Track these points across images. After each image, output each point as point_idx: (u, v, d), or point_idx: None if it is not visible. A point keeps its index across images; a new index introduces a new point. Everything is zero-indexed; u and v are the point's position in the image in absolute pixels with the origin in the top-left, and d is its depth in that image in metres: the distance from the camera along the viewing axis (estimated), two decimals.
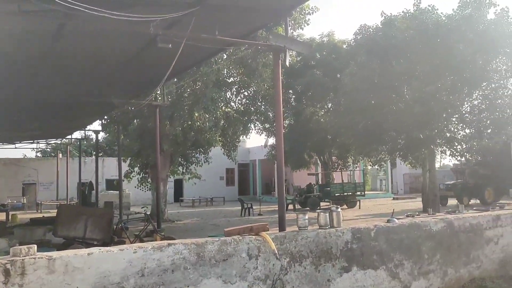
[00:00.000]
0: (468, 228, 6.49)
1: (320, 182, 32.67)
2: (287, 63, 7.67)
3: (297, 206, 27.58)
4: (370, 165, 35.56)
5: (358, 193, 28.68)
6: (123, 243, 12.10)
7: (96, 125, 24.16)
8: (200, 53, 9.14)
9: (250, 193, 38.69)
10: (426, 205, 24.63)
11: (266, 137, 31.41)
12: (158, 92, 17.37)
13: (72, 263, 3.81)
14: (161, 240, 11.85)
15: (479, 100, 15.45)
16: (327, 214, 5.40)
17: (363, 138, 19.24)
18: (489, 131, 15.19)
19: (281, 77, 19.06)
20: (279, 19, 8.10)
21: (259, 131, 29.03)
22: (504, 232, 6.86)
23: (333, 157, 32.19)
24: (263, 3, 7.48)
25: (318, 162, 33.41)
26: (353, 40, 18.14)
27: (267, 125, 28.02)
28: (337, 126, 22.66)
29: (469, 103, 15.81)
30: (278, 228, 7.61)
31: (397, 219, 6.12)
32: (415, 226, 5.99)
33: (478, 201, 28.43)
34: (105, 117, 19.93)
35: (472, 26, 15.19)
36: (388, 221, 5.88)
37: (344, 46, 28.82)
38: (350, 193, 28.17)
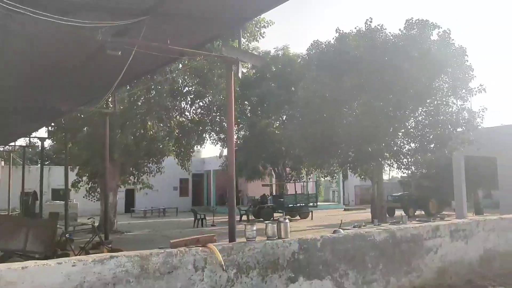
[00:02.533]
0: (409, 238, 6.77)
1: (274, 193, 32.96)
2: (240, 75, 7.73)
3: (251, 217, 27.66)
4: (323, 177, 36.36)
5: (311, 204, 29.19)
6: (67, 255, 11.56)
7: (43, 132, 23.14)
8: (153, 62, 9.02)
9: (204, 204, 38.37)
10: (374, 216, 25.49)
11: (221, 147, 31.36)
12: (110, 99, 16.97)
13: (4, 277, 3.61)
14: (108, 252, 11.47)
15: (423, 116, 16.26)
16: (275, 225, 5.46)
17: (315, 150, 19.65)
18: (432, 145, 15.99)
19: (235, 89, 19.27)
20: (232, 31, 8.18)
21: (214, 141, 28.95)
22: (442, 242, 7.21)
23: (287, 168, 32.62)
24: (217, 15, 7.51)
25: (273, 173, 33.72)
26: (306, 55, 18.61)
27: (222, 136, 27.99)
28: (290, 138, 23.04)
29: (414, 119, 16.60)
30: (228, 239, 7.59)
31: (344, 230, 6.28)
32: (360, 236, 6.18)
33: (423, 212, 29.82)
34: (52, 124, 19.14)
35: (417, 46, 16.03)
36: (334, 232, 6.02)
37: (299, 60, 29.51)
38: (303, 204, 28.61)
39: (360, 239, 6.16)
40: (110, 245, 12.09)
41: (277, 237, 5.46)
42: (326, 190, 59.39)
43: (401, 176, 40.52)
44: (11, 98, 11.87)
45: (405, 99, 15.77)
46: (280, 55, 30.34)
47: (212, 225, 23.78)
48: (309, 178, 35.22)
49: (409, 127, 16.64)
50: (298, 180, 33.01)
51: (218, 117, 20.51)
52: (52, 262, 3.89)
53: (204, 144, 24.40)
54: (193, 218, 24.29)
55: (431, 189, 30.06)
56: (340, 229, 6.17)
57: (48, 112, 13.13)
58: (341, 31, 17.22)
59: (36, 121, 15.90)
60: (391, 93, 15.68)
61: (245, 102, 30.71)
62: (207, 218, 24.08)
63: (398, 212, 27.75)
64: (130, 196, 34.17)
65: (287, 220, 5.59)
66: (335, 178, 37.29)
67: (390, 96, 15.68)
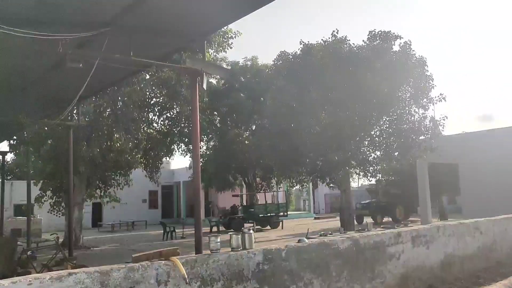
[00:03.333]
0: (372, 245, 6.90)
1: (244, 204, 32.92)
2: (204, 86, 7.75)
3: (222, 228, 27.51)
4: (292, 186, 36.64)
5: (281, 213, 29.33)
6: (29, 274, 11.18)
7: (4, 145, 22.38)
8: (117, 74, 8.93)
9: (174, 216, 37.84)
10: (343, 224, 25.87)
11: (190, 159, 31.08)
12: (75, 111, 16.60)
13: None
14: (71, 269, 11.15)
15: (387, 125, 16.71)
16: (239, 236, 5.46)
17: (283, 160, 19.81)
18: (396, 154, 16.44)
19: (203, 99, 19.26)
20: (195, 43, 8.22)
21: (183, 152, 28.70)
22: (404, 248, 7.39)
23: (257, 179, 32.68)
24: (178, 28, 7.54)
25: (243, 183, 33.70)
26: (273, 66, 18.84)
27: (191, 147, 27.79)
28: (259, 148, 23.16)
29: (378, 128, 17.03)
30: (195, 252, 7.54)
31: (309, 238, 6.35)
32: (324, 245, 6.26)
33: (390, 219, 30.47)
34: (14, 137, 18.53)
35: (380, 56, 16.50)
36: (299, 241, 6.08)
37: (267, 70, 29.81)
38: (273, 214, 28.71)
39: (324, 248, 6.24)
40: (74, 262, 11.75)
41: (241, 248, 5.46)
42: (297, 199, 59.84)
43: (369, 184, 41.37)
44: None
45: (369, 109, 16.18)
46: (248, 65, 30.55)
47: (182, 237, 23.49)
48: (280, 188, 35.39)
49: (374, 135, 17.06)
50: (268, 190, 33.12)
51: (186, 128, 20.40)
52: (6, 282, 3.76)
53: (173, 155, 24.21)
54: (162, 231, 23.97)
55: (398, 196, 30.81)
56: (305, 238, 6.22)
57: (9, 125, 12.72)
58: (306, 43, 17.55)
59: None
60: (355, 103, 16.05)
61: (214, 113, 30.65)
62: (176, 230, 23.77)
63: (367, 219, 28.23)
64: (97, 210, 33.32)
65: (251, 231, 5.60)
66: (305, 187, 37.72)
67: (356, 105, 16.04)
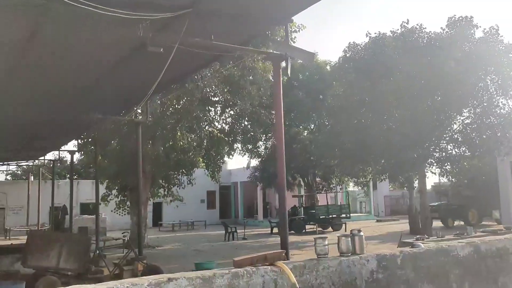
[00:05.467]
0: (494, 252, 5.86)
1: (303, 204, 31.99)
2: (289, 73, 7.06)
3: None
4: (353, 186, 35.22)
5: (343, 215, 28.10)
6: (101, 272, 11.01)
7: (71, 145, 22.96)
8: (191, 63, 8.42)
9: (232, 216, 37.58)
10: (413, 227, 24.23)
11: (248, 158, 30.67)
12: (139, 111, 16.53)
13: None
14: (143, 268, 10.83)
15: (471, 119, 15.19)
16: (349, 239, 4.67)
17: (349, 159, 18.75)
18: (482, 150, 14.87)
19: (265, 94, 18.58)
20: (279, 26, 7.53)
21: (241, 152, 28.27)
22: None
23: (317, 179, 31.65)
24: (261, 10, 6.88)
25: (302, 183, 32.78)
26: (341, 58, 17.84)
27: (249, 146, 27.30)
28: (321, 147, 22.18)
29: (461, 122, 15.54)
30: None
31: (423, 243, 5.43)
32: (443, 251, 5.32)
33: (462, 223, 28.31)
34: (81, 136, 18.85)
35: (461, 44, 15.08)
36: (412, 246, 5.19)
37: (327, 67, 28.74)
38: (335, 216, 27.55)
39: (442, 254, 5.30)
40: (145, 261, 11.47)
41: (352, 253, 4.66)
42: (353, 200, 57.90)
43: (434, 184, 38.91)
44: (42, 110, 11.48)
45: (450, 102, 14.77)
46: (305, 64, 29.59)
47: (244, 238, 23.04)
48: (340, 189, 34.11)
49: (455, 130, 15.56)
50: (329, 191, 31.96)
51: (249, 126, 19.87)
52: (102, 287, 3.22)
53: (236, 154, 23.80)
54: (223, 231, 23.64)
55: (470, 198, 28.55)
56: (420, 243, 5.31)
57: (79, 123, 12.71)
58: (376, 33, 16.43)
59: (66, 134, 15.56)
60: (434, 95, 14.72)
61: (272, 112, 30.04)
62: (238, 231, 23.31)
63: (435, 223, 26.34)
64: (157, 209, 33.74)
65: (362, 233, 4.79)
66: (363, 188, 36.17)
67: (436, 98, 14.71)
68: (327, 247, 4.54)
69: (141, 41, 6.49)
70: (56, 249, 9.59)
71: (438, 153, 15.44)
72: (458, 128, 15.46)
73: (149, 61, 8.22)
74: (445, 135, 15.42)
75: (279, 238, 22.75)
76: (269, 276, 3.97)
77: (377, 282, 4.67)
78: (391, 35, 16.44)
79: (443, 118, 15.04)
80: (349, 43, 17.17)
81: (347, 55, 16.94)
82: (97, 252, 12.35)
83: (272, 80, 21.89)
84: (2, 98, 10.25)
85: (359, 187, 32.15)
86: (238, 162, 56.64)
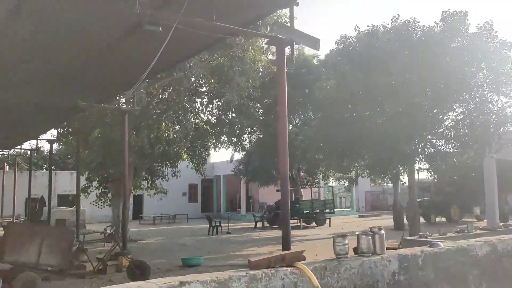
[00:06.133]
0: (511, 252, 5.60)
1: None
2: (294, 59, 6.63)
3: (266, 224, 26.45)
4: (333, 181, 35.16)
5: (328, 210, 27.96)
6: (84, 268, 10.43)
7: (49, 135, 22.02)
8: (187, 48, 7.88)
9: (214, 210, 37.06)
10: (397, 222, 24.26)
11: (232, 151, 30.14)
12: (122, 100, 15.83)
13: None
14: (129, 264, 10.29)
15: (463, 115, 15.09)
16: (370, 238, 4.29)
17: (339, 153, 18.47)
18: (475, 147, 14.78)
19: (254, 85, 18.12)
20: (282, 8, 7.09)
21: (226, 145, 27.73)
22: None
23: (301, 173, 31.40)
24: None
25: None
26: (333, 50, 17.47)
27: (234, 139, 26.78)
28: (308, 141, 21.86)
29: (453, 118, 15.43)
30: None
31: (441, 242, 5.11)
32: (462, 251, 5.01)
33: (443, 219, 28.54)
34: (62, 125, 18.02)
35: (455, 38, 14.95)
36: (432, 245, 4.85)
37: (314, 61, 28.40)
38: (319, 211, 27.38)
39: (461, 254, 4.99)
40: (129, 256, 10.94)
41: (372, 253, 4.29)
42: (330, 195, 58.00)
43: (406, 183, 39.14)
44: (25, 94, 10.73)
45: (443, 97, 14.62)
46: (295, 55, 29.19)
47: (228, 232, 22.62)
48: (325, 184, 33.98)
49: (447, 126, 15.43)
50: (314, 186, 31.76)
51: (236, 118, 19.37)
52: None
53: (223, 146, 23.27)
54: (205, 225, 23.15)
55: (452, 194, 28.83)
56: (439, 242, 4.98)
57: (62, 110, 11.99)
58: (371, 25, 16.13)
59: (47, 122, 14.77)
60: (427, 90, 14.54)
61: (257, 105, 29.58)
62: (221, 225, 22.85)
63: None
64: (138, 202, 32.96)
65: (382, 231, 4.42)
66: (344, 184, 36.15)
67: (428, 92, 14.52)
68: (347, 246, 4.16)
69: (136, 20, 5.96)
70: (36, 244, 8.97)
71: (429, 149, 15.28)
72: (450, 124, 15.33)
73: (142, 44, 7.69)
74: (437, 131, 15.28)
75: (264, 233, 22.33)
76: (289, 279, 3.56)
77: (398, 285, 4.32)
78: (383, 29, 16.19)
79: (437, 112, 14.89)
80: (341, 35, 16.86)
81: (340, 47, 16.61)
82: (78, 245, 11.72)
83: (262, 70, 21.55)
84: None
85: (341, 182, 32.00)
86: (220, 156, 55.81)
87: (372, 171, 18.20)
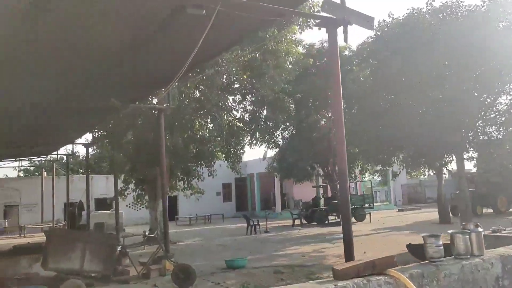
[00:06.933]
0: None
1: (324, 195, 30.96)
2: (347, 41, 6.01)
3: (304, 221, 25.82)
4: (369, 175, 34.17)
5: (367, 205, 27.05)
6: (127, 273, 10.12)
7: (83, 140, 22.09)
8: (230, 34, 7.31)
9: (249, 209, 36.66)
10: (442, 216, 23.09)
11: (265, 148, 29.61)
12: (154, 101, 15.54)
13: None
14: (173, 268, 9.90)
15: None
16: (467, 237, 3.65)
17: (377, 146, 17.65)
18: None
19: (285, 80, 17.50)
20: None
21: (259, 142, 27.21)
22: None
23: (337, 168, 30.54)
24: None
25: (321, 173, 31.74)
26: (372, 37, 16.63)
27: (267, 136, 26.23)
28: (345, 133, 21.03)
29: (506, 101, 14.38)
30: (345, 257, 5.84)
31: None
32: None
33: (491, 210, 27.12)
34: (96, 129, 17.95)
35: (504, 17, 13.91)
36: None
37: (346, 52, 27.50)
38: (358, 206, 26.49)
39: None
40: (172, 259, 10.57)
41: (470, 254, 3.64)
42: (367, 190, 56.66)
43: (454, 171, 37.50)
44: (56, 97, 10.52)
45: (494, 79, 13.59)
46: (326, 47, 28.34)
47: (266, 231, 22.11)
48: (363, 178, 33.03)
49: (500, 111, 14.38)
50: (351, 180, 30.84)
51: (271, 113, 18.82)
52: None
53: (258, 144, 22.78)
54: (241, 224, 22.74)
55: (500, 185, 27.35)
56: None
57: (97, 111, 11.74)
58: (411, 8, 15.26)
59: (83, 124, 14.63)
60: (479, 72, 13.56)
61: (289, 99, 28.94)
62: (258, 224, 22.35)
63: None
64: (172, 203, 32.94)
65: (480, 229, 3.77)
66: (386, 176, 35.02)
67: (478, 74, 13.54)
68: (441, 248, 3.53)
69: (179, 4, 5.46)
70: (79, 250, 8.70)
71: (480, 136, 14.28)
72: (502, 108, 14.28)
73: (180, 36, 7.20)
74: (488, 116, 14.25)
75: (303, 231, 21.44)
76: None
77: None
78: (425, 10, 15.27)
79: (487, 97, 13.89)
80: (379, 21, 16.00)
81: (379, 33, 15.76)
82: (121, 249, 11.46)
83: (295, 63, 20.87)
84: (11, 85, 9.31)
85: (378, 176, 30.91)
86: (253, 153, 55.60)
87: (414, 162, 17.23)
